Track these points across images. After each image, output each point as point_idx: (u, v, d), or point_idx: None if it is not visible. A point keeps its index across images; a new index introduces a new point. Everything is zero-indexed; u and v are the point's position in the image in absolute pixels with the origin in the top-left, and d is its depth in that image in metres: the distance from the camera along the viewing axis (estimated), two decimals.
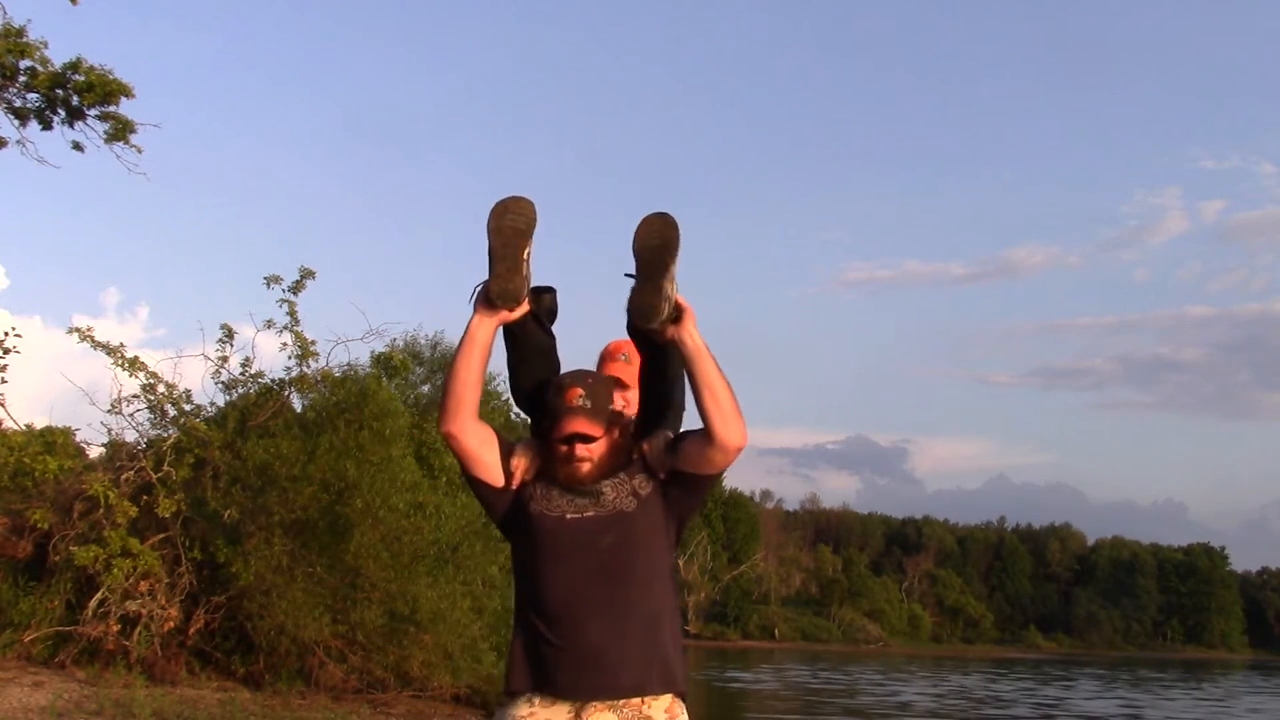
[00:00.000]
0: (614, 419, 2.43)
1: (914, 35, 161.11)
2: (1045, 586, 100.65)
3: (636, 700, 2.32)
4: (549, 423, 2.42)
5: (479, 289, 2.40)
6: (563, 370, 2.62)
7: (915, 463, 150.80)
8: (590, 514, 2.38)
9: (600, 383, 2.46)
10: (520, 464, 2.48)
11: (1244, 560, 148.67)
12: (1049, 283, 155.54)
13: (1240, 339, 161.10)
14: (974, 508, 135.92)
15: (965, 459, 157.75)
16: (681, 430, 2.56)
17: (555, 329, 2.64)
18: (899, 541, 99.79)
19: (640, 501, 2.40)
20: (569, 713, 2.32)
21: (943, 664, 50.05)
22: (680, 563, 63.53)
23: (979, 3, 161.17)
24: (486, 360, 2.45)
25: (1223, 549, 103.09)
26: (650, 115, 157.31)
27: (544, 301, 2.55)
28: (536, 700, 2.35)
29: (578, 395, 2.37)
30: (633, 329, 2.49)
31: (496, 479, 2.46)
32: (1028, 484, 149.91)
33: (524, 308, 2.46)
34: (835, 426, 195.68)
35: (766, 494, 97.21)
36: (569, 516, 2.39)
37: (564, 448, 2.38)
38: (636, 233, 2.40)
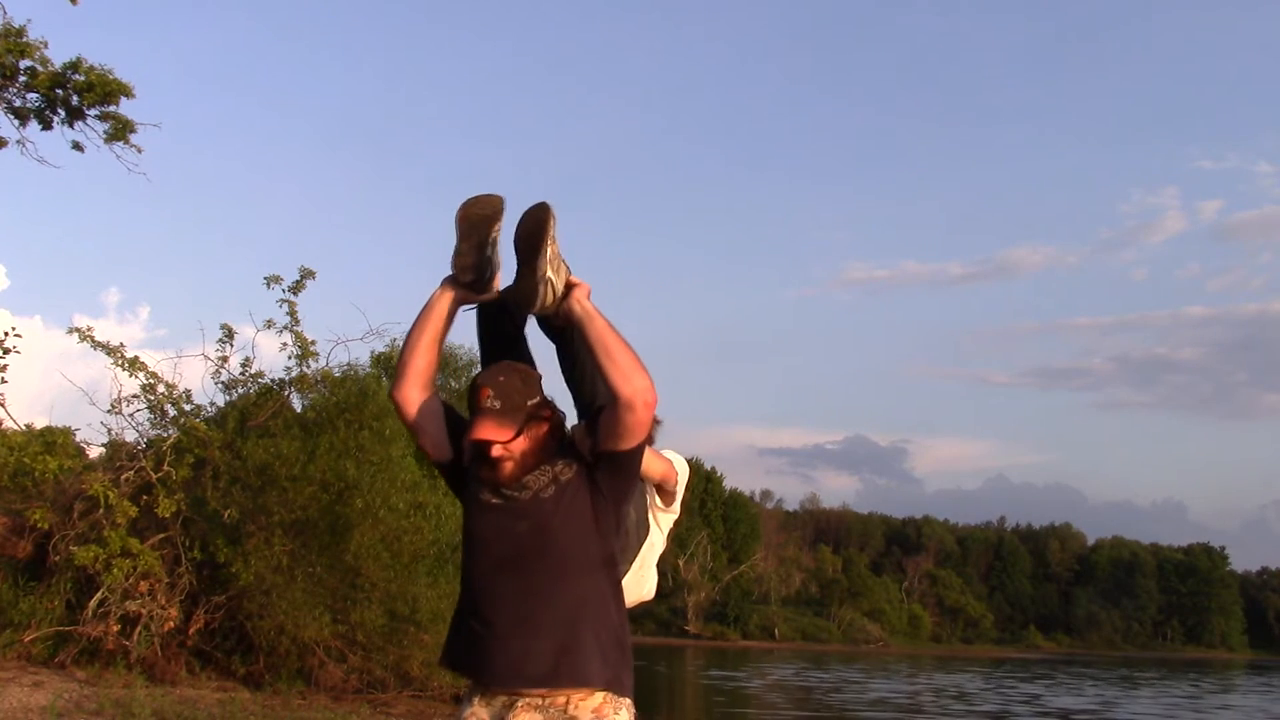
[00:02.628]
0: (537, 414, 2.35)
1: (912, 35, 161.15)
2: (1045, 586, 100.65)
3: (562, 700, 2.28)
4: (466, 426, 2.38)
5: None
6: (530, 363, 2.62)
7: (914, 463, 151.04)
8: (511, 501, 2.36)
9: (514, 379, 2.36)
10: (468, 443, 2.44)
11: (1244, 560, 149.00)
12: (1047, 282, 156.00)
13: (1238, 339, 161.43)
14: (974, 508, 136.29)
15: (964, 459, 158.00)
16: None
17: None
18: (899, 541, 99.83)
19: (559, 488, 2.35)
20: (500, 709, 2.32)
21: (934, 663, 50.19)
22: (680, 563, 63.47)
23: (977, 2, 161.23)
24: (441, 332, 2.45)
25: (1223, 549, 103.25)
26: (649, 115, 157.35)
27: (512, 293, 2.57)
28: (476, 700, 2.36)
29: (487, 397, 2.30)
30: (539, 322, 2.51)
31: (438, 452, 2.48)
32: (1027, 484, 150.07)
33: (490, 295, 2.48)
34: (834, 426, 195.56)
35: (766, 494, 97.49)
36: (493, 501, 2.37)
37: (479, 451, 2.35)
38: (516, 225, 2.41)
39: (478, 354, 2.75)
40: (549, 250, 2.35)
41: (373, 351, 13.49)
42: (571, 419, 2.57)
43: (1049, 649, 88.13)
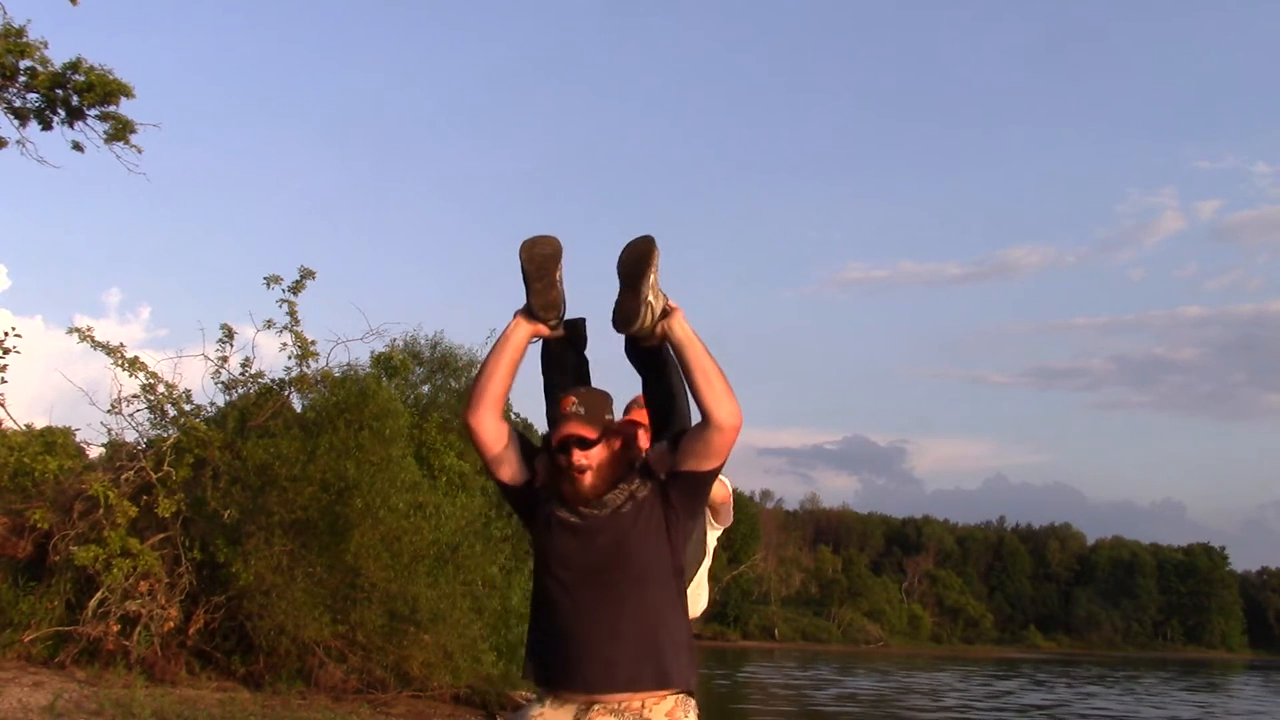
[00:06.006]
0: (613, 429, 2.53)
1: (910, 34, 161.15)
2: (1045, 586, 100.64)
3: (637, 704, 2.40)
4: (549, 432, 2.57)
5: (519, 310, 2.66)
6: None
7: (914, 463, 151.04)
8: (588, 519, 2.50)
9: (596, 394, 2.58)
10: (542, 466, 2.60)
11: (1244, 560, 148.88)
12: (1045, 283, 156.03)
13: (1236, 339, 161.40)
14: (973, 508, 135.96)
15: (963, 459, 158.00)
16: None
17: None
18: (899, 541, 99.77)
19: (636, 503, 2.50)
20: (576, 713, 2.42)
21: (926, 663, 50.38)
22: None
23: (974, 2, 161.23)
24: (516, 363, 2.62)
25: (1222, 549, 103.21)
26: (646, 116, 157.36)
27: (578, 329, 2.78)
28: (548, 702, 2.48)
29: (571, 403, 2.50)
30: (627, 346, 2.71)
31: (510, 476, 2.62)
32: (1026, 484, 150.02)
33: (559, 331, 2.68)
34: (833, 427, 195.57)
35: (766, 494, 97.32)
36: (571, 520, 2.49)
37: (563, 457, 2.48)
38: (620, 252, 2.63)
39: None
40: (652, 277, 2.57)
41: (373, 352, 13.48)
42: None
43: (1049, 649, 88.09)
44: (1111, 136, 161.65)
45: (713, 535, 3.44)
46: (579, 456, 2.45)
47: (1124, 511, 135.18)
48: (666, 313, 2.56)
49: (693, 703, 2.48)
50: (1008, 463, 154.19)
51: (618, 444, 2.53)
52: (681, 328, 2.52)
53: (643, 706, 2.39)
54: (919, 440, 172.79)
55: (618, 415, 2.77)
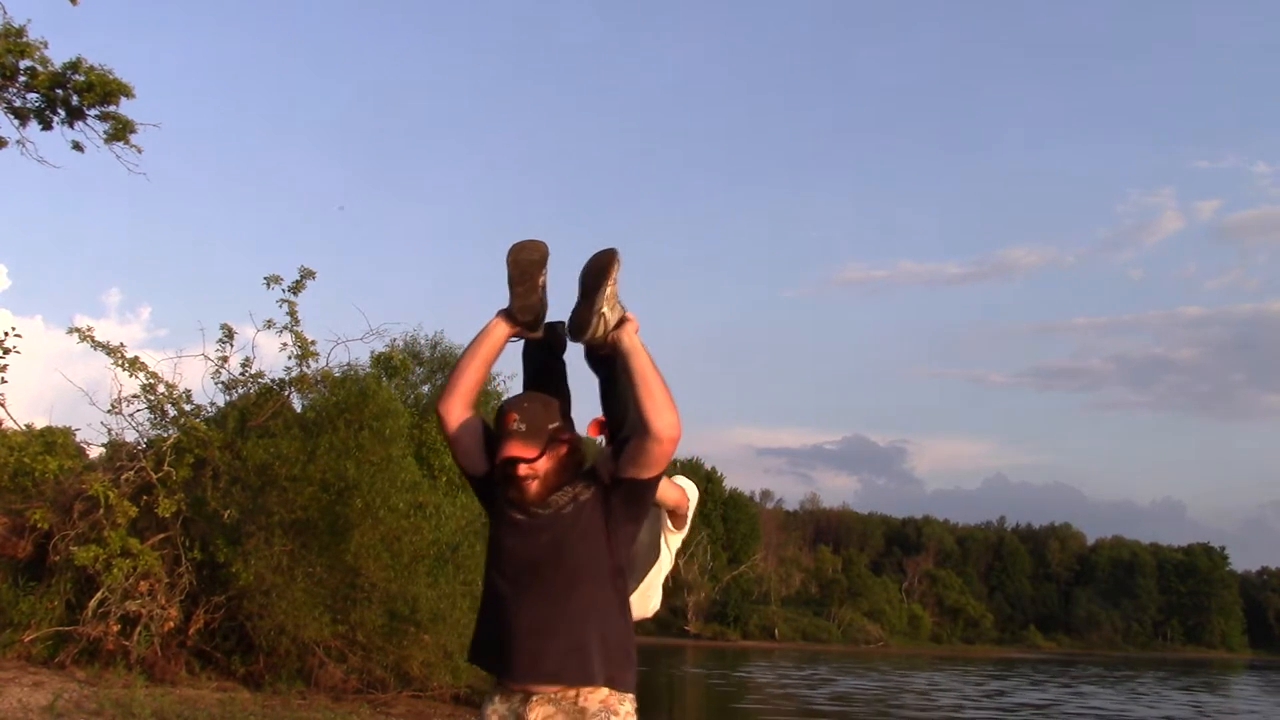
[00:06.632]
0: (558, 437, 2.60)
1: (909, 34, 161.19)
2: (1045, 586, 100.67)
3: (572, 694, 2.50)
4: (495, 447, 2.62)
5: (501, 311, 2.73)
6: (566, 392, 2.87)
7: (914, 463, 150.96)
8: (535, 518, 2.60)
9: (536, 405, 2.62)
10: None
11: (1244, 560, 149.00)
12: (1044, 283, 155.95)
13: (1235, 339, 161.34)
14: (973, 508, 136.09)
15: (963, 459, 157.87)
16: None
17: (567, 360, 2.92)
18: (899, 541, 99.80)
19: (578, 506, 2.59)
20: (518, 704, 2.55)
21: (925, 663, 50.46)
22: (680, 563, 63.50)
23: (975, 2, 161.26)
24: (491, 359, 2.71)
25: (1222, 549, 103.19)
26: (645, 115, 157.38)
27: (557, 332, 2.83)
28: (497, 698, 2.60)
29: (514, 420, 2.56)
30: (586, 352, 2.78)
31: (473, 466, 2.72)
32: (1025, 484, 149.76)
33: (538, 333, 2.75)
34: (833, 427, 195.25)
35: (766, 494, 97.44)
36: (518, 518, 2.61)
37: (508, 469, 2.56)
38: (585, 263, 2.70)
39: None
40: (609, 289, 2.63)
41: (373, 352, 13.49)
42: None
43: (1049, 649, 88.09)
44: (1111, 136, 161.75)
45: (675, 539, 3.42)
46: (523, 470, 2.54)
47: (1124, 511, 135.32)
48: (622, 323, 2.63)
49: (629, 696, 2.56)
50: (1008, 463, 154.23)
51: (563, 450, 2.60)
52: (630, 338, 2.59)
53: (577, 695, 2.50)
54: (919, 440, 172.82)
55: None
